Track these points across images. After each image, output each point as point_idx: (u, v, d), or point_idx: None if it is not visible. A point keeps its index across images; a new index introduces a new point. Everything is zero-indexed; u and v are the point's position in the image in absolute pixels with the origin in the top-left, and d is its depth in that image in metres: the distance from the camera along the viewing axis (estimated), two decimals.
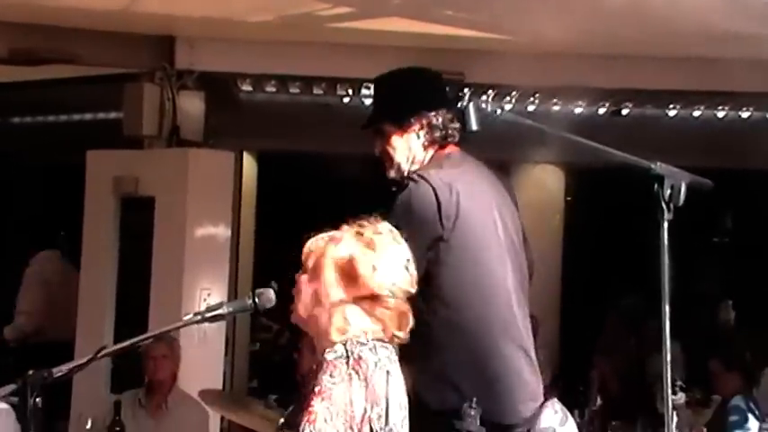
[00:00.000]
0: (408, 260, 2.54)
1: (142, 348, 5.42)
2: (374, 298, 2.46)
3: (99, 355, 2.41)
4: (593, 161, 5.83)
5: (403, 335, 2.52)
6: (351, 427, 2.33)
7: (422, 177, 3.22)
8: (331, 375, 2.36)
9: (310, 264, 2.52)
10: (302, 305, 2.53)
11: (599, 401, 6.14)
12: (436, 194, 3.16)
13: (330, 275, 2.48)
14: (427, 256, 3.11)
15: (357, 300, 2.47)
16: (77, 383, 6.35)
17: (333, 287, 2.47)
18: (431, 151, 3.36)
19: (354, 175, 7.65)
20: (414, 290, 2.54)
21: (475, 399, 3.02)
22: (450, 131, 3.33)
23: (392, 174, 3.42)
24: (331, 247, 2.51)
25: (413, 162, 3.37)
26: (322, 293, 2.48)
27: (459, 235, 3.17)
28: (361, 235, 2.52)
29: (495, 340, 3.23)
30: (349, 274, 2.47)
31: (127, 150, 6.64)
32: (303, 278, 2.54)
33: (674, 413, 2.23)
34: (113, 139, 6.67)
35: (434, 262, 3.15)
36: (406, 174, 3.35)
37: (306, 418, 2.33)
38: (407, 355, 2.97)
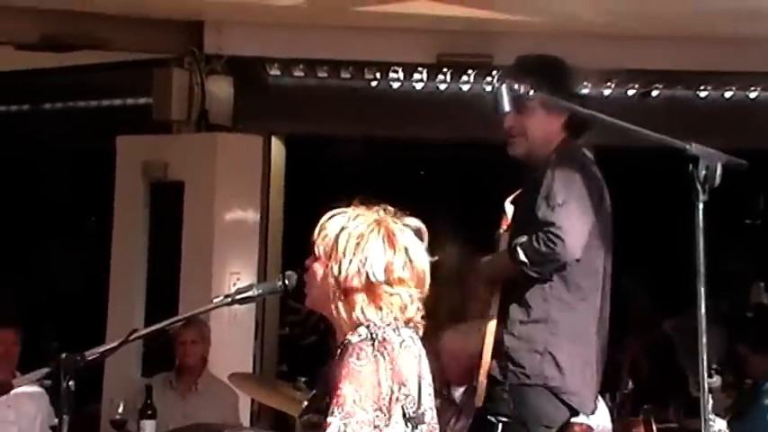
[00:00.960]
0: (416, 253, 2.48)
1: (172, 333, 5.46)
2: (385, 290, 2.43)
3: (130, 338, 2.42)
4: (623, 143, 5.79)
5: (418, 321, 2.49)
6: (380, 409, 2.32)
7: (577, 155, 3.41)
8: (357, 358, 2.34)
9: (322, 245, 2.48)
10: (317, 289, 2.50)
11: (630, 385, 6.10)
12: (589, 172, 3.35)
13: (347, 257, 2.43)
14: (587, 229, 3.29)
15: (371, 282, 2.43)
16: (109, 367, 6.39)
17: (346, 268, 2.43)
18: (564, 134, 3.51)
19: (381, 158, 7.65)
20: (418, 292, 2.47)
21: (508, 384, 3.13)
22: (582, 123, 3.48)
23: (518, 150, 3.53)
24: (344, 227, 2.46)
25: (547, 143, 3.49)
26: (338, 277, 2.44)
27: (600, 218, 3.37)
28: (377, 220, 2.48)
29: (594, 332, 3.40)
30: (358, 255, 2.42)
31: (156, 135, 6.66)
32: (315, 261, 2.50)
33: (710, 396, 2.21)
34: (143, 125, 6.70)
35: None
36: (535, 152, 3.48)
37: (334, 402, 2.31)
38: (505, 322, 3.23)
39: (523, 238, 3.29)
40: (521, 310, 3.32)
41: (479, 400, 3.32)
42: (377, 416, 2.31)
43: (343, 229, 2.46)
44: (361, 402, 2.30)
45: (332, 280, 2.44)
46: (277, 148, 7.19)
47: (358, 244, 2.43)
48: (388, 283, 2.42)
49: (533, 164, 3.50)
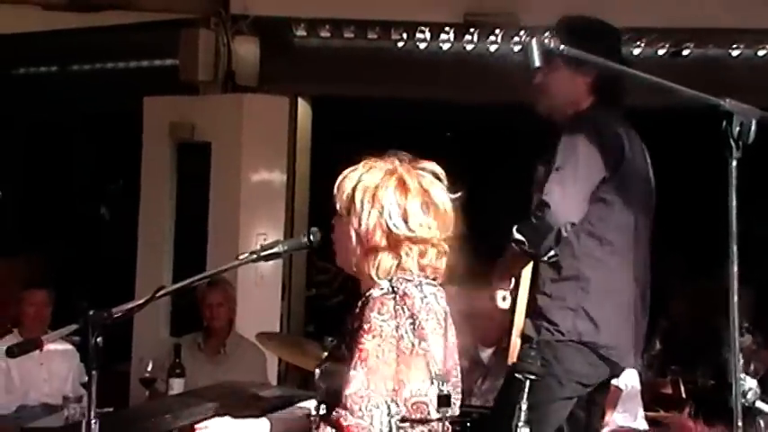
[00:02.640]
0: (436, 194, 2.46)
1: (199, 295, 5.49)
2: (406, 238, 2.41)
3: (157, 295, 2.42)
4: (654, 102, 5.72)
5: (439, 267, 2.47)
6: (404, 362, 2.31)
7: (597, 119, 3.33)
8: (379, 312, 2.33)
9: (341, 202, 2.47)
10: (342, 247, 2.50)
11: (658, 346, 6.09)
12: (603, 135, 3.28)
13: (365, 210, 2.42)
14: (588, 192, 3.26)
15: (391, 231, 2.41)
16: (138, 327, 6.46)
17: (365, 221, 2.42)
18: (592, 98, 3.44)
19: (408, 118, 7.61)
20: (445, 234, 2.46)
21: (536, 341, 3.10)
22: (613, 86, 3.42)
23: (543, 108, 3.51)
24: (359, 180, 2.45)
25: (572, 103, 3.45)
26: (359, 231, 2.43)
27: (620, 177, 3.31)
28: (389, 169, 2.46)
29: (628, 285, 3.38)
30: (375, 206, 2.41)
31: (183, 96, 6.66)
32: (339, 218, 2.50)
33: (740, 355, 2.19)
34: (169, 86, 6.70)
35: (593, 199, 3.29)
36: (558, 112, 3.45)
37: (357, 356, 2.31)
38: (536, 281, 3.24)
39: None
40: (551, 269, 3.30)
41: (512, 358, 3.31)
42: (400, 370, 2.31)
43: (358, 182, 2.45)
44: (383, 357, 2.30)
45: (353, 235, 2.44)
46: (303, 108, 7.17)
47: (374, 195, 2.42)
48: (409, 228, 2.41)
49: (558, 125, 3.46)
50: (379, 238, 2.41)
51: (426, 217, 2.43)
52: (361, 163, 2.49)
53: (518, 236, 3.24)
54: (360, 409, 2.27)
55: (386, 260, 2.41)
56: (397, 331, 2.32)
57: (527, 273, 3.42)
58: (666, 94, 2.34)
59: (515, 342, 3.35)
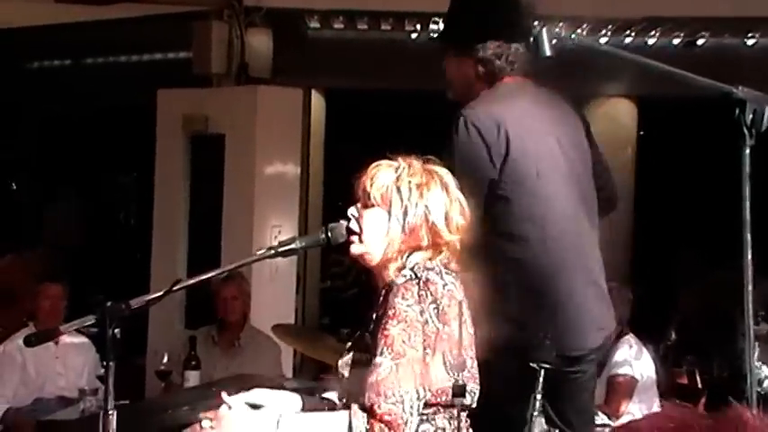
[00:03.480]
0: (465, 201, 2.50)
1: (213, 289, 5.50)
2: (446, 241, 2.45)
3: (174, 288, 2.43)
4: (668, 93, 5.70)
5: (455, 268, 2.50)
6: (429, 346, 2.33)
7: (468, 117, 3.10)
8: (403, 298, 2.35)
9: (378, 193, 2.48)
10: (371, 235, 2.50)
11: (674, 336, 6.08)
12: (482, 135, 3.06)
13: (412, 206, 2.45)
14: (483, 195, 3.05)
15: (435, 229, 2.45)
16: (153, 320, 6.49)
17: (413, 214, 2.45)
18: (488, 81, 3.23)
19: (421, 110, 7.60)
20: (456, 236, 2.48)
21: (547, 331, 2.99)
22: (511, 63, 3.19)
23: (450, 96, 3.35)
24: (399, 176, 2.48)
25: (467, 89, 3.26)
26: (404, 225, 2.46)
27: (512, 170, 3.09)
28: (428, 170, 2.50)
29: (560, 273, 3.18)
30: (422, 202, 2.45)
31: (196, 89, 6.67)
32: (362, 209, 2.51)
33: (756, 344, 2.18)
34: (183, 78, 6.71)
35: (492, 200, 3.09)
36: (459, 100, 3.24)
37: (383, 342, 2.32)
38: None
39: None
40: (484, 282, 3.12)
41: None
42: (426, 353, 2.33)
43: (399, 178, 2.48)
44: (410, 341, 2.31)
45: (396, 226, 2.46)
46: (317, 100, 7.18)
47: (421, 193, 2.45)
48: (449, 231, 2.46)
49: None
50: (423, 235, 2.45)
51: (461, 221, 2.49)
52: (395, 159, 2.52)
53: None
54: (392, 395, 2.28)
55: (422, 255, 2.45)
56: (421, 316, 2.33)
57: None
58: (680, 84, 2.34)
59: None
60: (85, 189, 9.76)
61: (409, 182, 2.47)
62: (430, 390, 2.34)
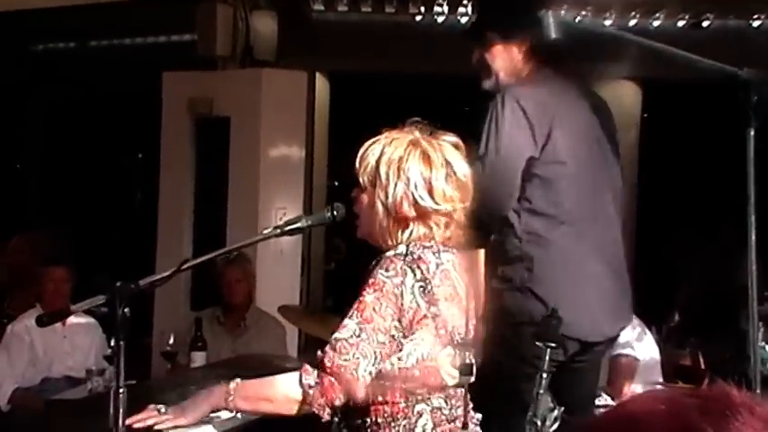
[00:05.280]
0: (457, 165, 2.48)
1: (218, 271, 5.52)
2: (433, 210, 2.44)
3: (182, 268, 2.46)
4: (672, 75, 5.69)
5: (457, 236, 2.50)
6: (399, 320, 2.34)
7: (516, 97, 3.18)
8: (386, 270, 2.36)
9: (365, 174, 2.49)
10: (366, 219, 2.52)
11: (677, 318, 6.09)
12: (527, 116, 3.14)
13: (391, 183, 2.44)
14: (520, 170, 3.14)
15: (417, 203, 2.43)
16: (159, 301, 6.52)
17: (392, 194, 2.44)
18: (530, 66, 3.31)
19: (426, 93, 7.60)
20: (462, 205, 2.48)
21: (556, 308, 3.01)
22: (553, 48, 3.16)
23: (487, 85, 3.39)
24: (382, 153, 2.47)
25: (511, 75, 3.33)
26: (386, 203, 2.45)
27: (553, 151, 3.16)
28: (412, 140, 2.47)
29: (584, 256, 3.23)
30: (402, 178, 2.44)
31: (201, 71, 6.68)
32: (359, 192, 2.52)
33: (760, 324, 2.20)
34: (188, 61, 6.72)
35: (527, 177, 3.16)
36: (501, 86, 3.31)
37: (355, 306, 2.34)
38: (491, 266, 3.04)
39: None
40: (499, 252, 3.20)
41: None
42: (395, 325, 2.33)
43: (381, 155, 2.47)
44: (380, 311, 2.33)
45: (380, 207, 2.46)
46: (321, 83, 7.18)
47: (399, 168, 2.44)
48: (435, 201, 2.44)
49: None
50: (408, 209, 2.44)
51: (450, 189, 2.45)
52: (382, 135, 2.51)
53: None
54: (347, 353, 2.30)
55: (418, 230, 2.45)
56: (397, 289, 2.34)
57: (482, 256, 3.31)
58: (684, 66, 2.35)
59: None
60: (91, 171, 9.77)
61: (389, 159, 2.45)
62: (416, 367, 2.35)
